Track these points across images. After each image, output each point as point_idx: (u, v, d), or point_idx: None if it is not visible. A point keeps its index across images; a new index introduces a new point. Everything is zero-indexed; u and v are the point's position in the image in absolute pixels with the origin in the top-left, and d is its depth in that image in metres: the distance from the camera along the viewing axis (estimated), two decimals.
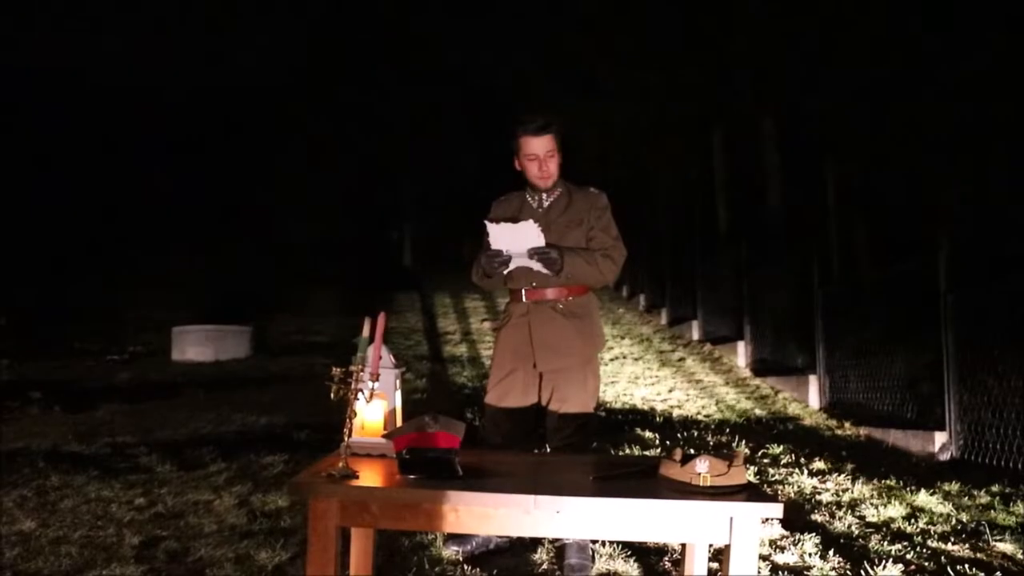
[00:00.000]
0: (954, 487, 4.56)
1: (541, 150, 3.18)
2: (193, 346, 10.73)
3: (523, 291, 3.24)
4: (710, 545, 2.52)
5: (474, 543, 3.30)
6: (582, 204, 3.26)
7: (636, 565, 3.23)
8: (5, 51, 17.68)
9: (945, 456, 5.74)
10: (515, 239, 3.05)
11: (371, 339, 2.30)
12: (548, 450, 3.33)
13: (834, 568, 3.25)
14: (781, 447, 5.66)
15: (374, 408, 2.45)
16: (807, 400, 8.14)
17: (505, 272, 3.18)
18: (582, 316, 3.24)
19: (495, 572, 3.14)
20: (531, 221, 3.05)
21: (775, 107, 13.16)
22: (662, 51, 13.68)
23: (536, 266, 3.11)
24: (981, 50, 10.93)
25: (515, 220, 3.15)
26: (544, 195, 3.28)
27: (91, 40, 19.49)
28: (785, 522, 3.71)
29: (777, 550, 3.44)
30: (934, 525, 3.89)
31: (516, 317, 3.26)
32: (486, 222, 3.10)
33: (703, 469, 2.08)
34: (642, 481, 2.18)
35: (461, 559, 3.23)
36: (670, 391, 8.74)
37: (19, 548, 3.33)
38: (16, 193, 18.68)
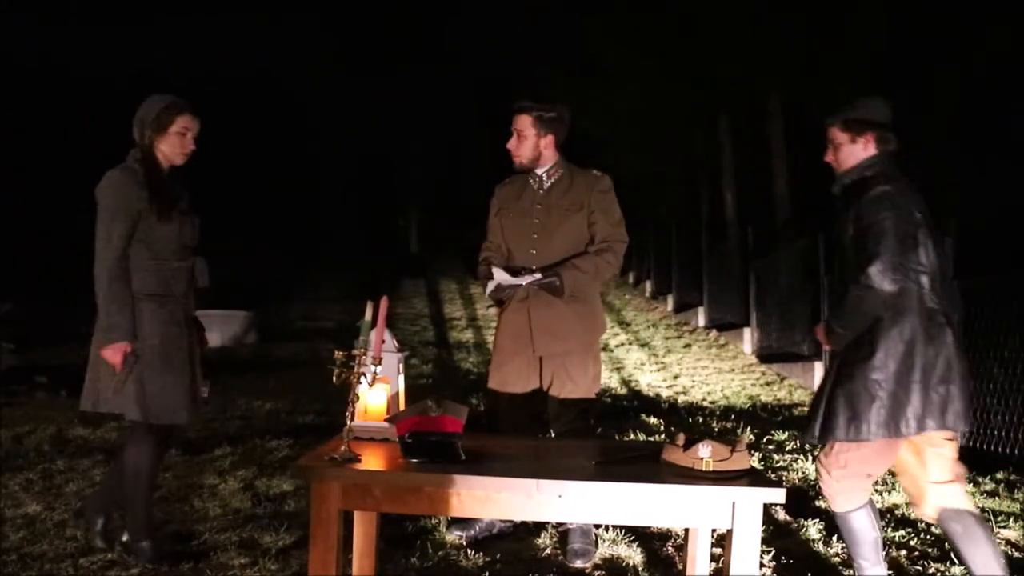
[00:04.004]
0: None
1: (516, 128, 3.27)
2: None
3: None
4: (713, 530, 2.51)
5: (477, 527, 3.31)
6: (583, 187, 3.25)
7: (639, 550, 3.23)
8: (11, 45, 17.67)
9: None
10: (519, 279, 3.18)
11: (373, 323, 2.29)
12: (552, 435, 3.33)
13: (837, 554, 3.24)
14: (786, 433, 5.65)
15: (377, 392, 2.44)
16: (813, 387, 8.11)
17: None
18: (582, 300, 3.23)
19: (498, 556, 3.14)
20: (537, 275, 3.14)
21: (780, 91, 13.05)
22: (663, 32, 13.55)
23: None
24: (988, 33, 10.84)
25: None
26: (545, 177, 3.28)
27: (89, 28, 19.46)
28: (789, 508, 3.71)
29: (782, 535, 3.44)
30: None
31: (516, 301, 3.25)
32: (493, 270, 3.19)
33: (706, 454, 2.07)
34: (645, 466, 2.18)
35: (464, 543, 3.24)
36: (675, 377, 8.73)
37: (24, 531, 3.35)
38: (17, 180, 18.71)
